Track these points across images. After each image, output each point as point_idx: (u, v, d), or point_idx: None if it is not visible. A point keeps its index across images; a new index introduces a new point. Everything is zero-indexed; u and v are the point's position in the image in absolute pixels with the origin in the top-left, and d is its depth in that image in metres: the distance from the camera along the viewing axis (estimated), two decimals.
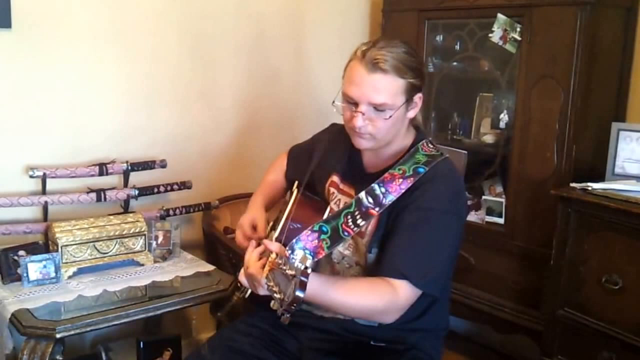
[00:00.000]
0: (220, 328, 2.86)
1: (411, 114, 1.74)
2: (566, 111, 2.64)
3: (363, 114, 1.68)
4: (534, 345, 2.84)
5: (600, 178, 2.66)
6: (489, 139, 3.09)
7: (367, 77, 1.65)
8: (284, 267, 1.38)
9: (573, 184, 2.59)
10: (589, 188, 2.51)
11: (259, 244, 1.66)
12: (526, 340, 2.92)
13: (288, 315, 1.42)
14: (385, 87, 1.66)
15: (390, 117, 1.68)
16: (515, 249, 2.88)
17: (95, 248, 2.54)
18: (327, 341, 1.80)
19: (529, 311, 2.84)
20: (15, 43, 2.54)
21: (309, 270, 1.36)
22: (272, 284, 1.42)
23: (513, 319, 2.90)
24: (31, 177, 2.59)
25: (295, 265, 1.36)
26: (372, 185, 1.67)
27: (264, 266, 1.52)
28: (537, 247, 2.77)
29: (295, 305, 1.35)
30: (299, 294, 1.33)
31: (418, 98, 1.73)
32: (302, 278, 1.34)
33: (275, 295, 1.41)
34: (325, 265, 1.83)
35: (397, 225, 1.67)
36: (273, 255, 1.49)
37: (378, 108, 1.67)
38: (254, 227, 1.93)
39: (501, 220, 2.93)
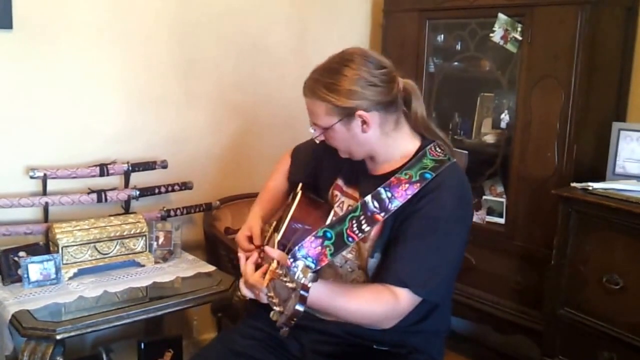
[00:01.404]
0: (221, 329, 2.86)
1: (370, 131, 1.69)
2: (567, 111, 2.64)
3: (314, 132, 1.75)
4: (535, 345, 2.84)
5: (601, 178, 2.66)
6: (490, 138, 3.09)
7: (305, 100, 1.73)
8: (285, 279, 1.34)
9: (574, 184, 2.59)
10: (590, 188, 2.51)
11: (261, 251, 1.65)
12: (527, 340, 2.92)
13: (287, 329, 1.38)
14: (313, 110, 1.72)
15: (333, 136, 1.71)
16: (515, 249, 2.88)
17: (96, 249, 2.54)
18: (329, 344, 1.79)
19: (530, 311, 2.84)
20: (17, 44, 2.54)
21: (310, 284, 1.32)
22: (272, 294, 1.39)
23: (514, 319, 2.90)
24: (32, 177, 2.59)
25: (297, 276, 1.32)
26: (378, 189, 1.66)
27: (264, 274, 1.50)
28: (538, 247, 2.77)
29: (294, 319, 1.32)
30: (298, 308, 1.30)
31: (362, 115, 1.66)
32: (303, 292, 1.30)
33: (275, 307, 1.38)
34: (327, 269, 1.81)
35: (401, 233, 1.66)
36: (274, 264, 1.46)
37: (320, 127, 1.72)
38: (250, 238, 1.90)
39: (502, 220, 2.93)
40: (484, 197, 3.03)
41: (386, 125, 1.71)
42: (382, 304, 1.59)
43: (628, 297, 2.38)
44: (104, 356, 2.67)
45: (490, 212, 2.98)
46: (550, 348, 2.66)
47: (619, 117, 2.82)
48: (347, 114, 1.66)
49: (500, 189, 3.01)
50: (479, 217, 3.02)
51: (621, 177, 2.63)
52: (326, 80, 1.67)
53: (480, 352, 3.35)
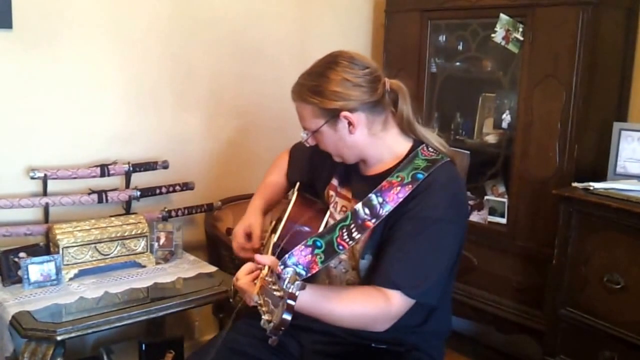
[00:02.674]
0: (222, 329, 2.86)
1: (357, 132, 1.69)
2: (568, 111, 2.63)
3: (306, 136, 1.75)
4: (536, 344, 2.84)
5: (602, 178, 2.66)
6: (491, 139, 3.09)
7: (294, 104, 1.75)
8: (273, 287, 1.34)
9: (575, 184, 2.59)
10: (591, 188, 2.52)
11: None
12: (528, 339, 2.92)
13: (276, 337, 1.37)
14: (300, 114, 1.73)
15: (322, 139, 1.73)
16: (517, 249, 2.87)
17: (97, 250, 2.54)
18: (328, 343, 1.79)
19: (531, 311, 2.84)
20: (16, 44, 2.54)
21: (297, 293, 1.30)
22: (261, 302, 1.38)
23: (515, 318, 2.90)
24: (32, 178, 2.58)
25: (285, 285, 1.31)
26: (369, 195, 1.64)
27: (255, 279, 1.49)
28: (539, 247, 2.77)
29: (282, 328, 1.31)
30: (286, 316, 1.28)
31: (347, 116, 1.67)
32: (290, 301, 1.29)
33: (263, 316, 1.37)
34: (322, 269, 1.80)
35: (393, 234, 1.65)
36: (265, 271, 1.45)
37: (309, 130, 1.74)
38: (249, 235, 1.91)
39: (503, 220, 2.93)
40: (486, 197, 3.03)
41: (374, 126, 1.71)
42: (373, 307, 1.57)
43: (629, 297, 2.38)
44: (105, 357, 2.67)
45: (492, 212, 2.98)
46: (551, 347, 2.66)
47: (620, 117, 2.82)
48: (332, 116, 1.67)
49: (501, 189, 3.01)
50: (480, 217, 3.02)
51: (622, 177, 2.63)
52: (311, 83, 1.68)
53: (482, 352, 3.35)
